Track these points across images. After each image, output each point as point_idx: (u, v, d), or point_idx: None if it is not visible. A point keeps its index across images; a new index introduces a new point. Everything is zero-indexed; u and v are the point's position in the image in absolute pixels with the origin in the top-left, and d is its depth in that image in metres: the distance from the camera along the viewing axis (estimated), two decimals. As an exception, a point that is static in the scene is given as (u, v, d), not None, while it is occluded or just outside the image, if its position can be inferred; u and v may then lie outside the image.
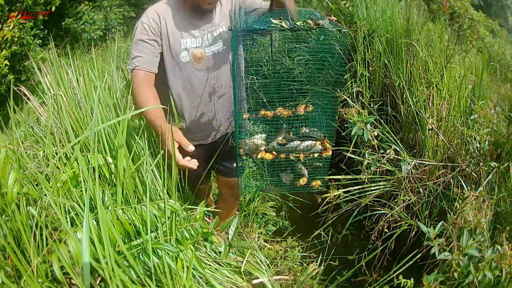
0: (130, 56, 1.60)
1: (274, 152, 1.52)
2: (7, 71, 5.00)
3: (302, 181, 1.55)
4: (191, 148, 1.50)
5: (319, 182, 1.57)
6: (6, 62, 4.95)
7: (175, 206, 1.33)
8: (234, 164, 1.82)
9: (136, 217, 1.27)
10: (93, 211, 1.27)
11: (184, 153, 1.52)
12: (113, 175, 1.51)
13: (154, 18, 1.54)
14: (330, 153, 1.52)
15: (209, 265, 1.68)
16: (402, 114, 2.50)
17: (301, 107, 1.59)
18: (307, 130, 1.59)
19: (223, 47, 1.64)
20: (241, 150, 1.51)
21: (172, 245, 1.29)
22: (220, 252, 2.18)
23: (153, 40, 1.55)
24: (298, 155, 1.51)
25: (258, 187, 1.68)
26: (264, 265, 1.91)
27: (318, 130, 1.58)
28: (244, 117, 1.61)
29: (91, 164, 1.40)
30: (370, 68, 2.82)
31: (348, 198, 2.13)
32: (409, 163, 1.99)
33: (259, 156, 1.52)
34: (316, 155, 1.52)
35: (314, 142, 1.53)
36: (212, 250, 1.80)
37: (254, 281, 1.75)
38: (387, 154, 1.96)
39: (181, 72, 1.60)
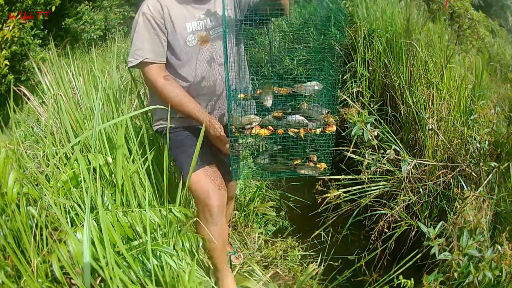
0: (131, 48, 1.54)
1: (270, 127, 1.40)
2: (7, 71, 5.01)
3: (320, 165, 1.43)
4: (227, 147, 1.51)
5: (324, 165, 1.45)
6: (6, 62, 4.95)
7: (177, 214, 1.34)
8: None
9: (137, 221, 1.27)
10: (92, 211, 1.27)
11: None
12: (113, 175, 1.51)
13: (156, 6, 1.50)
14: (334, 128, 1.39)
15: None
16: (402, 114, 2.50)
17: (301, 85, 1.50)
18: (308, 107, 1.46)
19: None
20: (233, 126, 1.42)
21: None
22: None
23: (159, 30, 1.51)
24: (297, 130, 1.37)
25: (256, 174, 1.63)
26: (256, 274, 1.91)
27: (320, 106, 1.45)
28: (240, 97, 1.59)
29: (92, 165, 1.40)
30: (370, 68, 2.82)
31: (348, 198, 2.13)
32: (409, 163, 1.99)
33: (253, 131, 1.39)
34: (318, 131, 1.38)
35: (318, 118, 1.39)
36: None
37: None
38: (387, 154, 1.96)
39: (187, 56, 1.57)
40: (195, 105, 1.55)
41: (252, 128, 1.41)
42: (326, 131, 1.39)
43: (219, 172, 1.63)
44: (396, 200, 2.08)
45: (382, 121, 2.25)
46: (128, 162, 1.51)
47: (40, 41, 5.75)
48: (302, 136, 1.37)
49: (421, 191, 2.05)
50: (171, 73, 1.59)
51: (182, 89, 1.56)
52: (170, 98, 1.53)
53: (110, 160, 1.49)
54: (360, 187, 2.15)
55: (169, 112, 1.48)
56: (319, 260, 2.04)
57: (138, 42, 1.51)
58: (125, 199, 1.40)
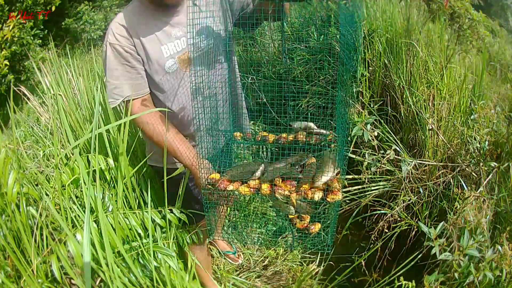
0: (107, 86, 1.33)
1: (251, 183, 1.13)
2: (7, 71, 5.01)
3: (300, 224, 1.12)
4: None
5: (318, 226, 1.14)
6: (6, 62, 4.95)
7: (177, 214, 1.34)
8: None
9: (137, 222, 1.27)
10: (93, 212, 1.27)
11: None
12: (113, 177, 1.51)
13: (122, 33, 1.28)
14: (340, 197, 1.06)
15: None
16: (402, 114, 2.50)
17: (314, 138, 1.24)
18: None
19: (212, 43, 1.35)
20: (208, 177, 1.16)
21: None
22: (220, 253, 2.18)
23: (132, 59, 1.30)
24: (288, 193, 1.07)
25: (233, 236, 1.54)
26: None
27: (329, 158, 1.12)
28: (236, 136, 1.38)
29: (91, 165, 1.40)
30: (370, 68, 2.82)
31: (348, 198, 2.13)
32: (409, 163, 1.99)
33: (229, 187, 1.12)
34: (317, 197, 1.04)
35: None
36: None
37: None
38: (387, 154, 1.96)
39: (169, 84, 1.36)
40: (182, 147, 1.33)
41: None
42: (328, 199, 1.06)
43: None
44: (396, 200, 2.08)
45: (382, 121, 2.25)
46: (129, 163, 1.51)
47: (40, 41, 5.74)
48: (294, 201, 1.07)
49: (421, 191, 2.05)
50: (158, 106, 1.39)
51: (167, 127, 1.34)
52: (153, 139, 1.33)
53: (111, 161, 1.48)
54: (360, 187, 2.15)
55: (165, 155, 1.27)
56: (318, 260, 2.04)
57: (113, 79, 1.30)
58: (125, 200, 1.40)
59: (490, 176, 1.81)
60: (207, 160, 1.21)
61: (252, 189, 1.11)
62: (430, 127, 2.12)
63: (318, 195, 1.05)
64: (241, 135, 1.39)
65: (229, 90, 1.46)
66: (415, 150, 2.33)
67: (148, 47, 1.30)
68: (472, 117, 2.06)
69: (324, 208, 1.13)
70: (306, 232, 1.14)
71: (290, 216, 1.16)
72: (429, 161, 2.07)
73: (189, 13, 1.06)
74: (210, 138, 1.28)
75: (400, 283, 1.43)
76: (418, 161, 2.05)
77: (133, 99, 1.31)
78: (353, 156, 2.13)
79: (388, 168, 2.10)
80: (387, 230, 2.01)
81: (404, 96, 2.44)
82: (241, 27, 1.45)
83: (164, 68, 1.33)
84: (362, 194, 2.15)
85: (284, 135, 1.32)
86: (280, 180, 1.11)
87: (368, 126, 1.86)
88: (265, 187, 1.09)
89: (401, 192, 2.08)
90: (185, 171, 1.41)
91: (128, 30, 1.28)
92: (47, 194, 1.36)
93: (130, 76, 1.31)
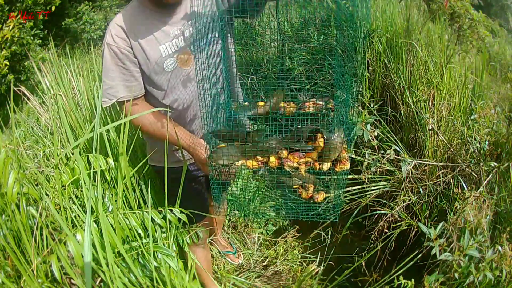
0: (103, 85, 1.34)
1: (259, 157, 1.13)
2: (7, 71, 5.00)
3: (306, 194, 1.15)
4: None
5: (322, 195, 1.16)
6: (6, 62, 4.95)
7: (178, 214, 1.34)
8: None
9: (137, 222, 1.27)
10: (92, 212, 1.27)
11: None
12: (114, 177, 1.51)
13: (119, 34, 1.29)
14: (348, 166, 1.09)
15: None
16: (402, 114, 2.50)
17: (310, 104, 1.24)
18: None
19: (211, 37, 1.33)
20: (214, 155, 1.16)
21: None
22: (220, 253, 2.19)
23: (127, 61, 1.32)
24: (297, 165, 1.08)
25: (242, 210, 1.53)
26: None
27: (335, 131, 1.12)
28: (233, 108, 1.39)
29: (92, 166, 1.40)
30: (370, 68, 2.82)
31: (348, 198, 2.13)
32: (409, 163, 1.99)
33: (238, 163, 1.12)
34: (325, 167, 1.06)
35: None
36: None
37: None
38: (387, 154, 1.96)
39: (168, 83, 1.37)
40: (179, 131, 1.36)
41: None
42: (337, 169, 1.08)
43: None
44: (396, 200, 2.08)
45: (382, 121, 2.25)
46: (129, 163, 1.51)
47: (40, 41, 5.73)
48: (303, 173, 1.08)
49: (421, 191, 2.05)
50: (155, 105, 1.41)
51: (162, 117, 1.36)
52: (152, 133, 1.37)
53: (111, 161, 1.48)
54: (360, 187, 2.16)
55: (166, 154, 1.27)
56: (318, 260, 2.04)
57: (108, 79, 1.33)
58: (125, 201, 1.40)
59: (490, 176, 1.81)
60: (202, 140, 1.25)
61: (260, 163, 1.12)
62: (430, 127, 2.12)
63: (326, 166, 1.06)
64: (237, 105, 1.40)
65: (225, 66, 1.46)
66: (415, 150, 2.33)
67: (146, 48, 1.30)
68: (472, 117, 2.06)
69: (329, 174, 1.13)
70: (312, 201, 1.16)
71: (295, 186, 1.18)
72: (429, 161, 2.07)
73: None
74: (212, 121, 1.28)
75: (399, 282, 1.43)
76: (418, 161, 2.05)
77: (126, 101, 1.34)
78: (353, 156, 2.13)
79: (388, 168, 2.10)
80: (387, 230, 2.01)
81: (404, 96, 2.44)
82: (245, 13, 1.42)
83: (163, 67, 1.34)
84: (362, 194, 2.15)
85: (282, 103, 1.32)
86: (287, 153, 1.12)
87: (368, 126, 1.86)
88: (273, 160, 1.09)
89: (401, 192, 2.08)
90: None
91: (125, 31, 1.29)
92: (47, 194, 1.36)
93: (125, 78, 1.33)
